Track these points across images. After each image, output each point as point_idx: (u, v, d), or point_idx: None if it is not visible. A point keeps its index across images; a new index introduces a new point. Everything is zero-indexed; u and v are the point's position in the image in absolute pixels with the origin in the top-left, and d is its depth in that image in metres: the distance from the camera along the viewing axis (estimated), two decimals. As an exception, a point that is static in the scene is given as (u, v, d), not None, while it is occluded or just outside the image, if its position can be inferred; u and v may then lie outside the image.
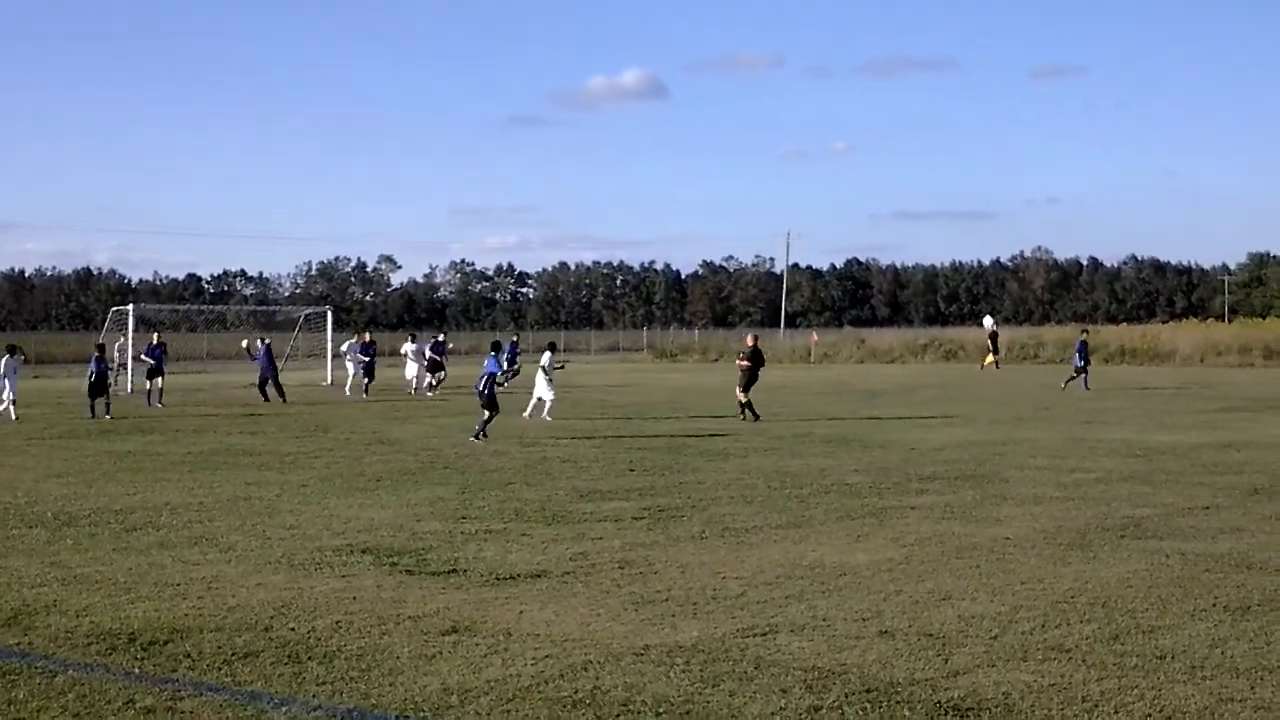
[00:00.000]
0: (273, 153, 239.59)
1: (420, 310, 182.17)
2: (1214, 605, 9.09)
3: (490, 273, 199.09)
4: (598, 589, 9.73)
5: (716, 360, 67.94)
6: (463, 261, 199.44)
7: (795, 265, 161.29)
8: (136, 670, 7.54)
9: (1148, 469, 17.21)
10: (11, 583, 10.04)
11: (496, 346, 23.99)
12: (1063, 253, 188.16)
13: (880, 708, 6.77)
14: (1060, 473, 16.82)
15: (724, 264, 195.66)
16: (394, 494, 15.20)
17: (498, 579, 10.10)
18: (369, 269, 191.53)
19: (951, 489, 15.31)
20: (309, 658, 7.77)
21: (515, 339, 44.37)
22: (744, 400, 25.75)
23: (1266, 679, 7.27)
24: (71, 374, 46.34)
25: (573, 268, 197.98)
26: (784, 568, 10.51)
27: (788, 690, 7.07)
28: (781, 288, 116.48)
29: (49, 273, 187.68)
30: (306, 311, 50.86)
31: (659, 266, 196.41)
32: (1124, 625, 8.50)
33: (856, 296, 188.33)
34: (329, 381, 41.74)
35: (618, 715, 6.68)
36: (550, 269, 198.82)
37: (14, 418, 26.62)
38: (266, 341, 34.14)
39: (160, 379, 31.61)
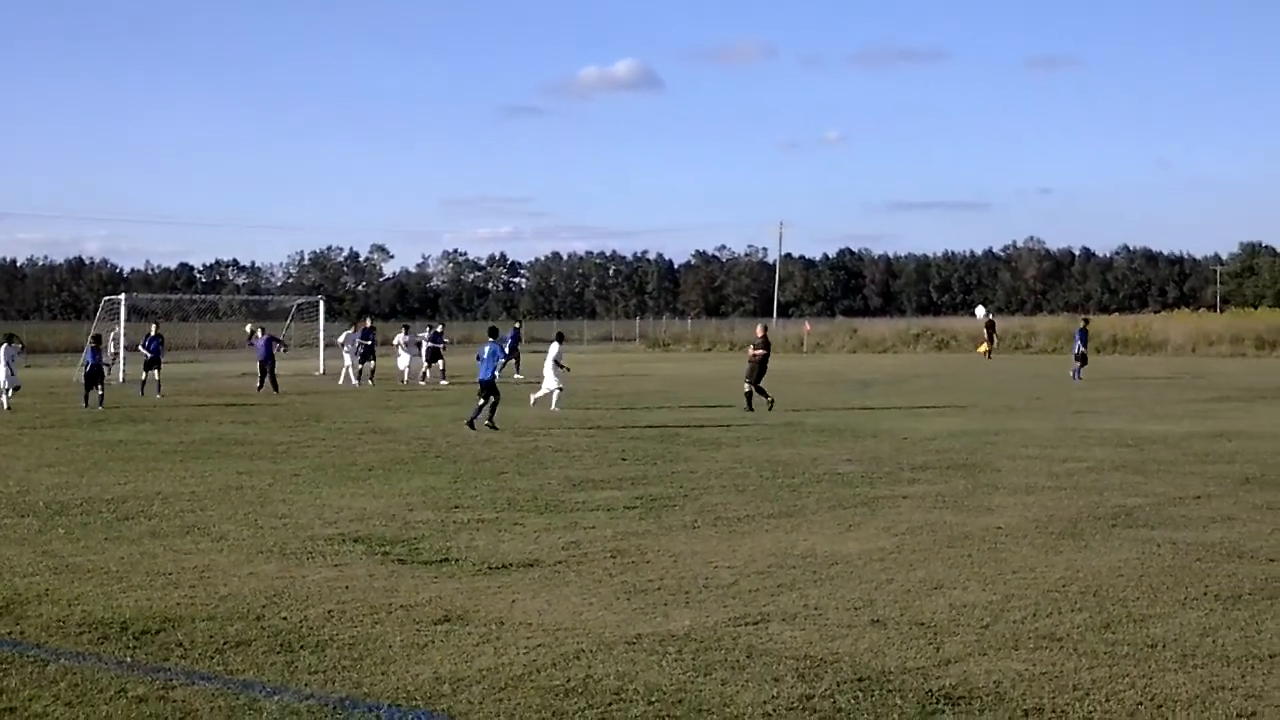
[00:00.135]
0: (265, 142, 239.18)
1: (413, 300, 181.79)
2: (1205, 594, 9.11)
3: (483, 262, 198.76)
4: (590, 578, 9.74)
5: (709, 350, 68.05)
6: (455, 251, 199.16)
7: (788, 255, 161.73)
8: (128, 659, 7.54)
9: (1139, 458, 17.24)
10: (3, 572, 10.04)
11: (494, 333, 23.95)
12: (1055, 243, 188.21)
13: (872, 696, 6.78)
14: (1052, 462, 16.85)
15: (716, 254, 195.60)
16: (386, 483, 15.20)
17: (490, 568, 10.12)
18: (361, 259, 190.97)
19: (943, 478, 15.33)
20: (301, 647, 7.77)
21: (518, 326, 44.30)
22: (749, 390, 25.77)
23: (1257, 667, 7.29)
24: (64, 363, 46.26)
25: (565, 257, 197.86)
26: (776, 557, 10.53)
27: (780, 679, 7.08)
28: (774, 277, 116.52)
29: (40, 262, 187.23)
30: (299, 301, 50.85)
31: (651, 256, 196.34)
32: (1115, 614, 8.52)
33: (849, 286, 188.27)
34: (321, 371, 41.70)
35: (610, 704, 6.69)
36: (543, 259, 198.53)
37: (6, 406, 26.58)
38: (268, 334, 34.34)
39: (157, 370, 31.68)
